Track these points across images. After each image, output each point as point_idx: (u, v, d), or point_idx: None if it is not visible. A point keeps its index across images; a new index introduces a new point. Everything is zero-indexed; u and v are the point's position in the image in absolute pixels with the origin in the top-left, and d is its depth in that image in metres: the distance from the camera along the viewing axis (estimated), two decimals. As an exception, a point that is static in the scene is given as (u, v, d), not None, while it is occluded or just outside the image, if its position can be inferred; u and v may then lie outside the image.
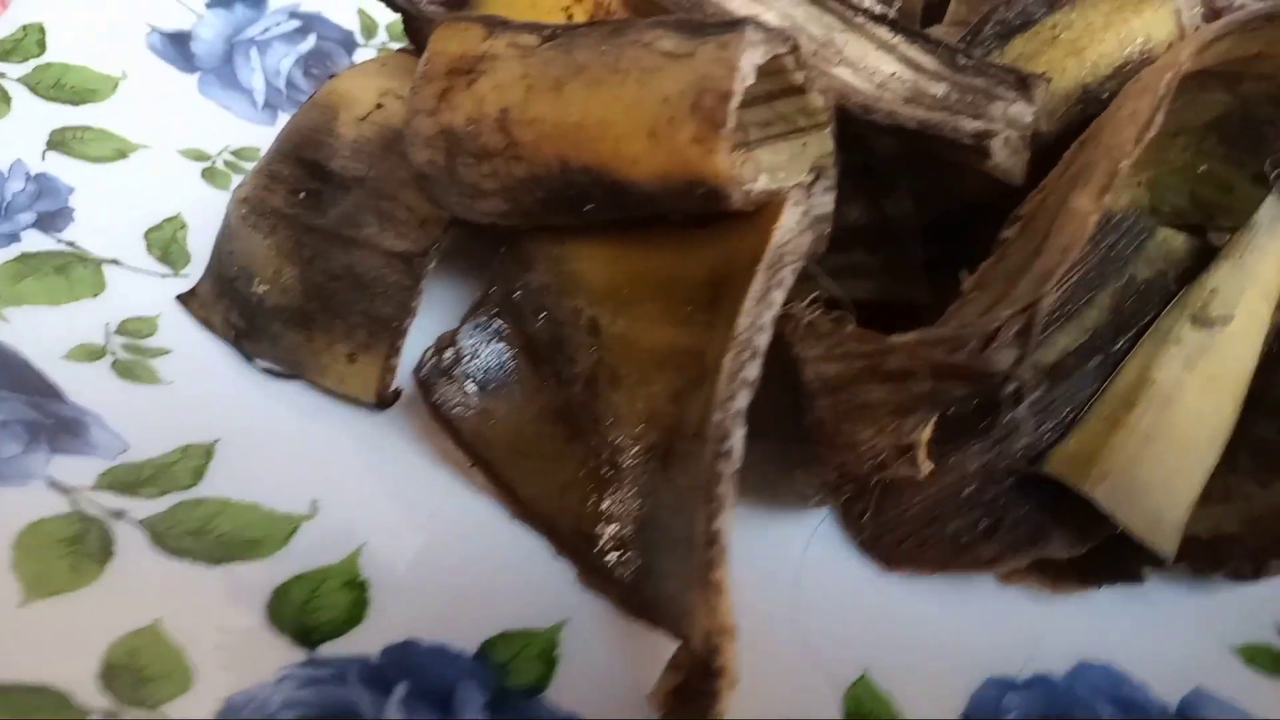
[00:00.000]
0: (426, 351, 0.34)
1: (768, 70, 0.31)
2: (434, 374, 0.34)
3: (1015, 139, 0.31)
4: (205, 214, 0.41)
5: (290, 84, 0.50)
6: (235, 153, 0.46)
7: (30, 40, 0.44)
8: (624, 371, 0.33)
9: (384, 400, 0.36)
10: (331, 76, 0.41)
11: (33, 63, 0.44)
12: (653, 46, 0.28)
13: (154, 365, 0.36)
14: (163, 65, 0.47)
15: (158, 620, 0.29)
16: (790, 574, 0.33)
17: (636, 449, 0.32)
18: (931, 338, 0.27)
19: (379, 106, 0.38)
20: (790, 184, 0.31)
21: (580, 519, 0.32)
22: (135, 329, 0.37)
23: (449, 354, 0.34)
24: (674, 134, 0.28)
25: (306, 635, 0.29)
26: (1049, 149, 0.33)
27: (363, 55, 0.53)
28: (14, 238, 0.38)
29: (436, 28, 0.33)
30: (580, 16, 0.39)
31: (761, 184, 0.30)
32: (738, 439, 0.29)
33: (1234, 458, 0.33)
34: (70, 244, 0.39)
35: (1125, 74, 0.33)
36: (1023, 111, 0.32)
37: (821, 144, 0.34)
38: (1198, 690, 0.31)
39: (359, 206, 0.37)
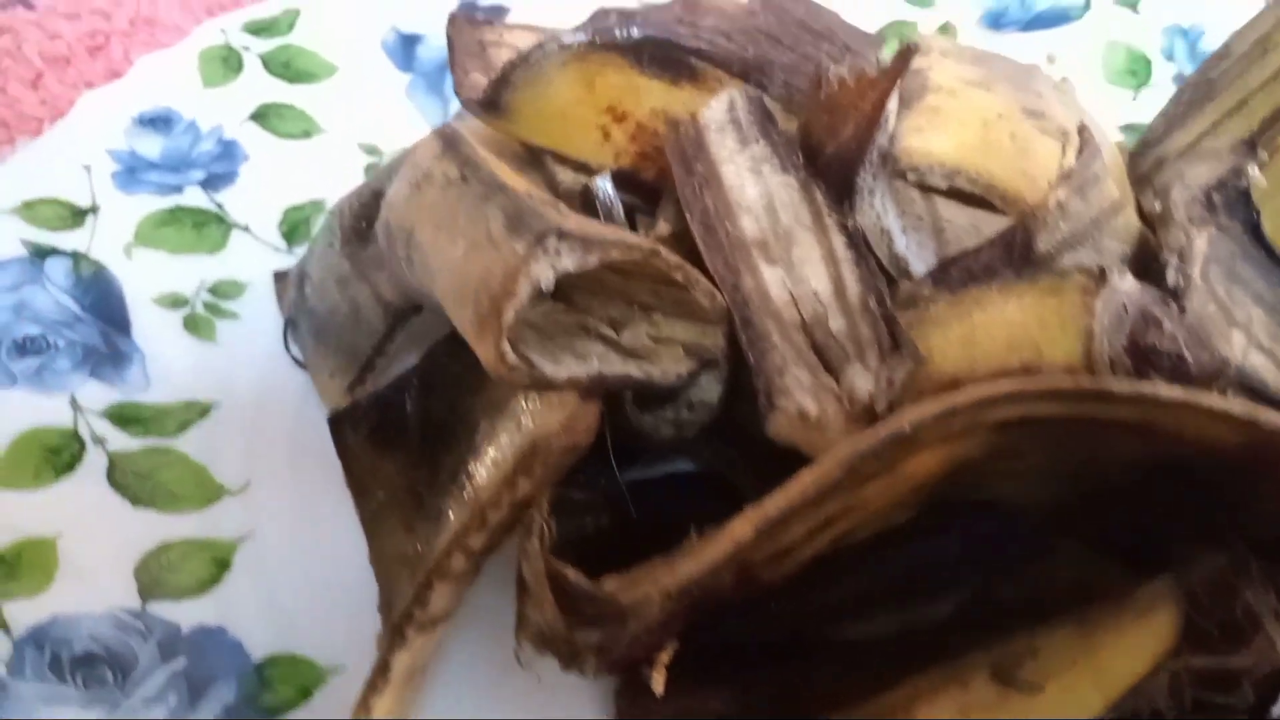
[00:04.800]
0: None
1: (633, 267, 0.32)
2: (344, 416, 0.39)
3: (828, 413, 0.29)
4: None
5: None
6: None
7: (284, 22, 0.54)
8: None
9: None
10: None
11: (277, 41, 0.53)
12: (488, 222, 0.30)
13: (217, 325, 0.45)
14: (385, 63, 0.54)
15: (58, 534, 0.37)
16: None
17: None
18: (575, 585, 0.27)
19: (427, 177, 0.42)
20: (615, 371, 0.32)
21: (390, 593, 0.36)
22: (224, 289, 0.46)
23: (364, 403, 0.39)
24: (467, 309, 0.30)
25: (150, 590, 0.37)
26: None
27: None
28: (178, 189, 0.48)
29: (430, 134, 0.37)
30: (618, 136, 0.41)
31: (570, 371, 0.31)
32: (439, 598, 0.31)
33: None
34: (219, 205, 0.48)
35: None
36: (863, 385, 0.30)
37: (715, 337, 0.34)
38: None
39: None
